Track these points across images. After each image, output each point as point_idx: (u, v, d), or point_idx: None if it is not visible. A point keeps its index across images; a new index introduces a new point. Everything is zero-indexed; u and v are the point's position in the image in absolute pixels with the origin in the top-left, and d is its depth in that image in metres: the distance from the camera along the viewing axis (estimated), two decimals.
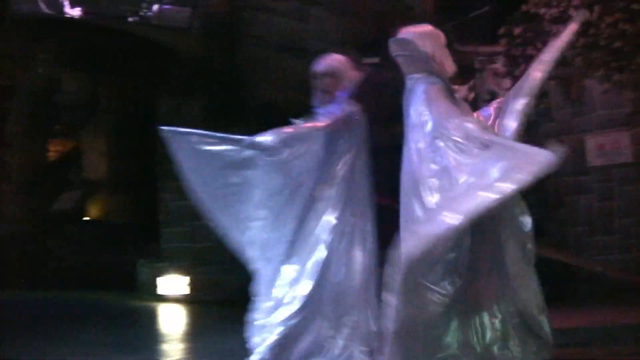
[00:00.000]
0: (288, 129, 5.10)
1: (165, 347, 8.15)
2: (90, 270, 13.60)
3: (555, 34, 10.23)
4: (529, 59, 10.33)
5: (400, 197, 4.51)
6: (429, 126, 4.39)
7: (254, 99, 11.65)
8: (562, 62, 10.72)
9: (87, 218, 16.15)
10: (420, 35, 4.76)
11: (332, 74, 5.37)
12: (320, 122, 5.17)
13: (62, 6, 10.27)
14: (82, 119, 16.22)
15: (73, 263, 14.10)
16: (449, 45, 4.93)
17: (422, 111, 4.48)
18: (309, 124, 5.20)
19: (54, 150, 17.38)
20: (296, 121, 5.39)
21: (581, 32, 10.14)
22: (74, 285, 13.16)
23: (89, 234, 15.03)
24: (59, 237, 14.92)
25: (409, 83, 4.66)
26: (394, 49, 4.76)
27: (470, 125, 4.32)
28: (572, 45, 10.18)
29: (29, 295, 12.48)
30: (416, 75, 4.64)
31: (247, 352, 4.99)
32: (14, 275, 13.09)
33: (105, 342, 8.04)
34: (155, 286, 12.16)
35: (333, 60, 5.47)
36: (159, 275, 12.17)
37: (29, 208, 14.72)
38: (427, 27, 4.85)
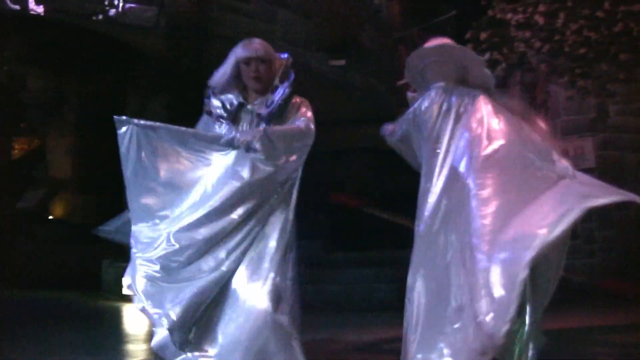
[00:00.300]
0: (274, 129, 4.85)
1: (129, 347, 8.10)
2: (55, 270, 13.50)
3: (521, 40, 10.42)
4: (494, 64, 10.48)
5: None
6: (506, 139, 4.34)
7: None
8: (527, 68, 10.89)
9: (52, 217, 16.03)
10: (456, 44, 4.65)
11: (268, 60, 4.97)
12: (301, 122, 4.87)
13: (27, 3, 10.16)
14: (48, 117, 16.12)
15: (37, 262, 13.98)
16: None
17: (489, 123, 4.37)
18: (292, 126, 4.86)
19: (19, 148, 17.26)
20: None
21: (546, 39, 10.31)
22: (38, 284, 13.06)
23: (53, 233, 14.91)
24: (23, 236, 14.80)
25: (438, 91, 4.51)
26: (435, 53, 4.59)
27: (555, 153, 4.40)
28: (537, 51, 10.37)
29: None
30: (448, 84, 4.50)
31: None
32: None
33: (68, 341, 7.98)
34: (120, 286, 12.04)
35: (264, 45, 5.01)
36: (124, 276, 12.08)
37: None
38: (449, 40, 4.72)
